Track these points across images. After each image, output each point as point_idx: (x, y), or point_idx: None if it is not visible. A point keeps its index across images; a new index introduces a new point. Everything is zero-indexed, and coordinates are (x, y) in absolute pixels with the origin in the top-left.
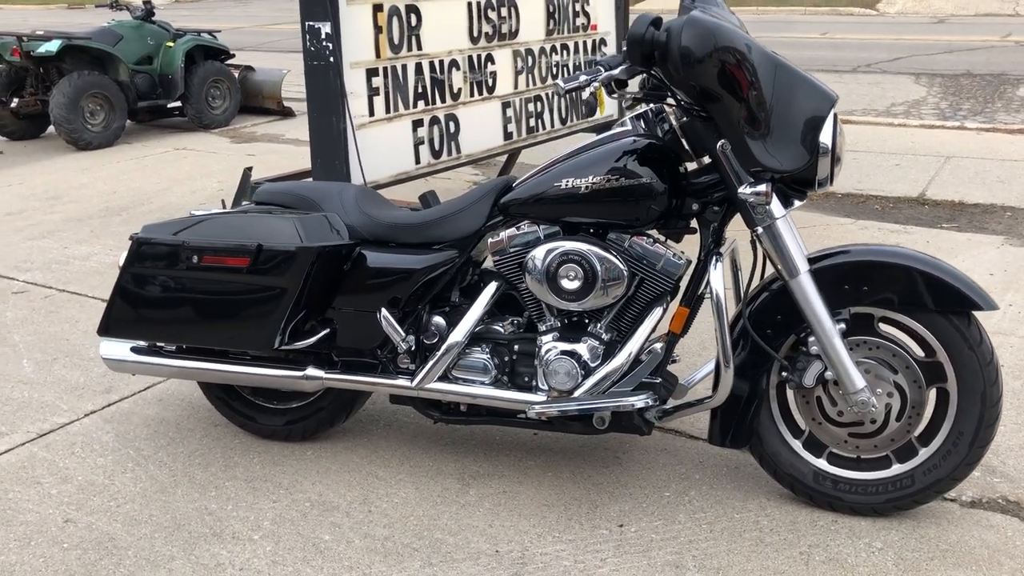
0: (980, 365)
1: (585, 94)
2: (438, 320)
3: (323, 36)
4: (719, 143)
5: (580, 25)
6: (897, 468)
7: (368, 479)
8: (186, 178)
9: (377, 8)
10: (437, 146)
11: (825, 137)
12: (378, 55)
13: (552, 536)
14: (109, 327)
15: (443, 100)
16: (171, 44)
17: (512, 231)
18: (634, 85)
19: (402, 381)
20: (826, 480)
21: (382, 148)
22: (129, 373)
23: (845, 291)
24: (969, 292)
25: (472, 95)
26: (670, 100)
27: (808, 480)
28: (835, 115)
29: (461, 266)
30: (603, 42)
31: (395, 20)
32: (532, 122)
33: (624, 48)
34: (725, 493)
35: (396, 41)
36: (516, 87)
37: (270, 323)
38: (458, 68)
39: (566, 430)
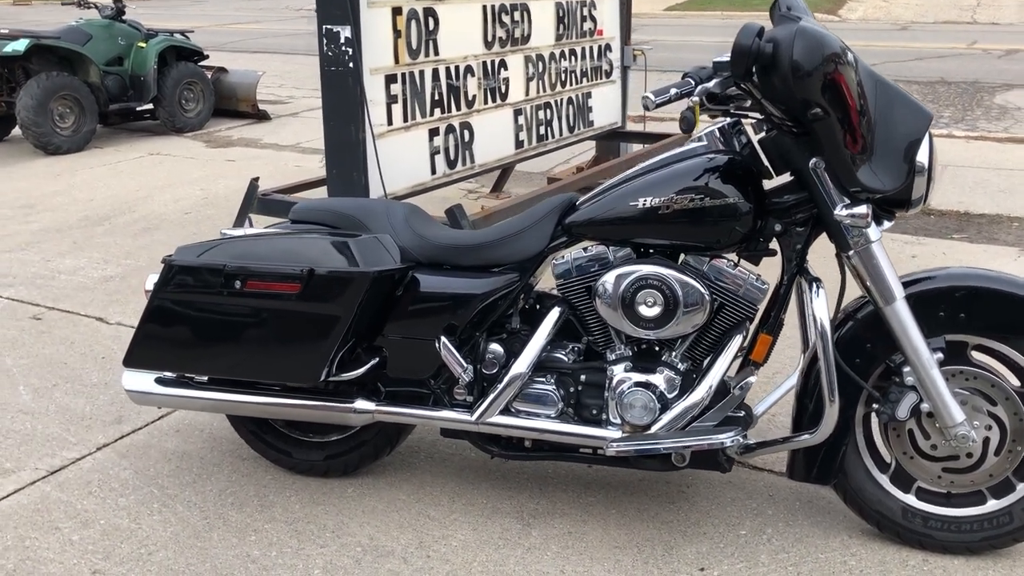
0: None
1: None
2: (496, 348)
3: (342, 40)
4: (811, 161)
5: (587, 30)
6: (993, 504)
7: (420, 519)
8: (166, 185)
9: (396, 11)
10: (452, 155)
11: (922, 156)
12: (397, 60)
13: None
14: (137, 358)
15: (458, 108)
16: (143, 44)
17: (579, 253)
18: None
19: (461, 415)
20: (916, 517)
21: (399, 158)
22: (155, 406)
23: (940, 318)
24: None
25: (486, 102)
26: (752, 114)
27: (897, 517)
28: (930, 133)
29: (520, 290)
30: (608, 48)
31: (413, 23)
32: (542, 130)
33: (716, 61)
34: (804, 531)
35: (415, 46)
36: (527, 94)
37: (319, 353)
38: (473, 74)
39: (641, 467)
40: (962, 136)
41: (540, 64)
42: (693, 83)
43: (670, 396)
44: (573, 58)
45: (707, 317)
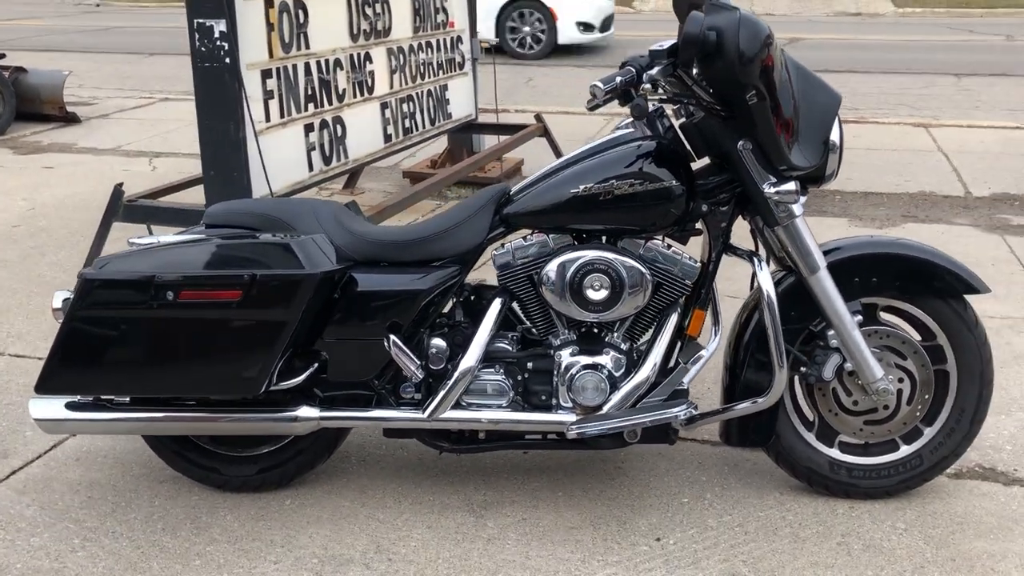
0: (977, 345)
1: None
2: (439, 343)
3: (216, 35)
4: (739, 143)
5: (440, 23)
6: (905, 450)
7: (370, 523)
8: None
9: (268, 3)
10: (327, 151)
11: (835, 135)
12: (271, 55)
13: (596, 560)
14: (52, 383)
15: (330, 102)
16: None
17: (519, 243)
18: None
19: (411, 413)
20: (841, 469)
21: (278, 156)
22: (68, 434)
23: (856, 283)
24: (969, 277)
25: (355, 96)
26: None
27: (825, 471)
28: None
29: (460, 283)
30: (459, 40)
31: (285, 16)
32: (407, 123)
33: (653, 49)
34: (739, 492)
35: (287, 39)
36: (392, 87)
37: (263, 363)
38: (341, 68)
39: (596, 447)
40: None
41: (401, 56)
42: (634, 71)
43: (618, 375)
44: (430, 50)
45: (648, 297)
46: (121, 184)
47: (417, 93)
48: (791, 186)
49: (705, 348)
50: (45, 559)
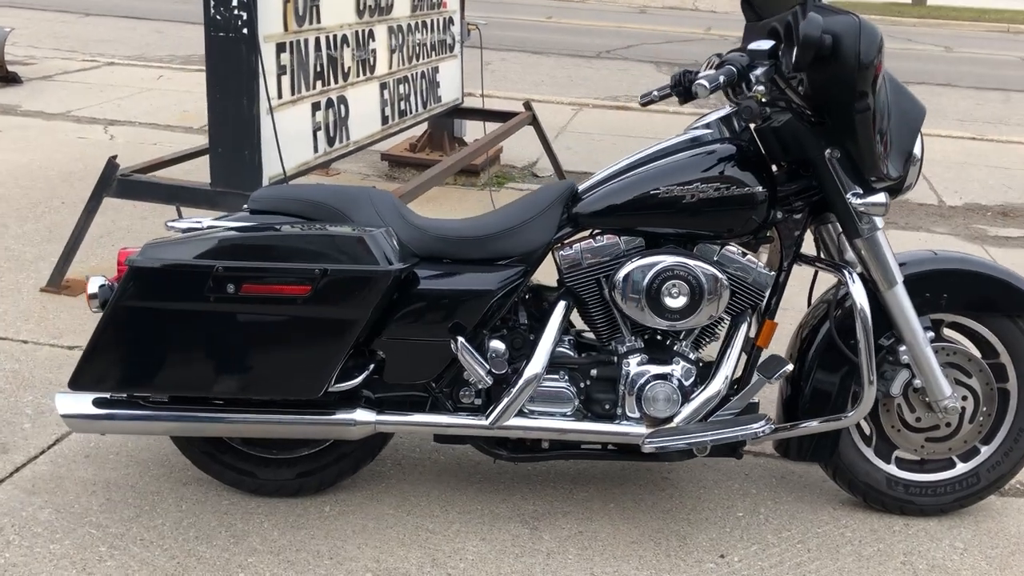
0: None
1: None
2: (498, 346)
3: (235, 3)
4: (827, 150)
5: (435, 2)
6: (962, 467)
7: (419, 533)
8: None
9: None
10: (331, 132)
11: (918, 147)
12: (286, 28)
13: None
14: (88, 377)
15: (336, 81)
16: None
17: (588, 243)
18: None
19: (473, 419)
20: (898, 485)
21: (286, 135)
22: (98, 433)
23: (927, 299)
24: None
25: (359, 75)
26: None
27: (882, 487)
28: None
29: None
30: (451, 21)
31: None
32: (403, 105)
33: (752, 49)
34: (791, 507)
35: (300, 12)
36: (391, 67)
37: (326, 363)
38: (348, 44)
39: (663, 460)
40: None
41: (400, 36)
42: (735, 70)
43: (687, 386)
44: (425, 30)
45: (723, 306)
46: (115, 156)
47: (412, 75)
48: (881, 198)
49: (790, 364)
50: (71, 569)
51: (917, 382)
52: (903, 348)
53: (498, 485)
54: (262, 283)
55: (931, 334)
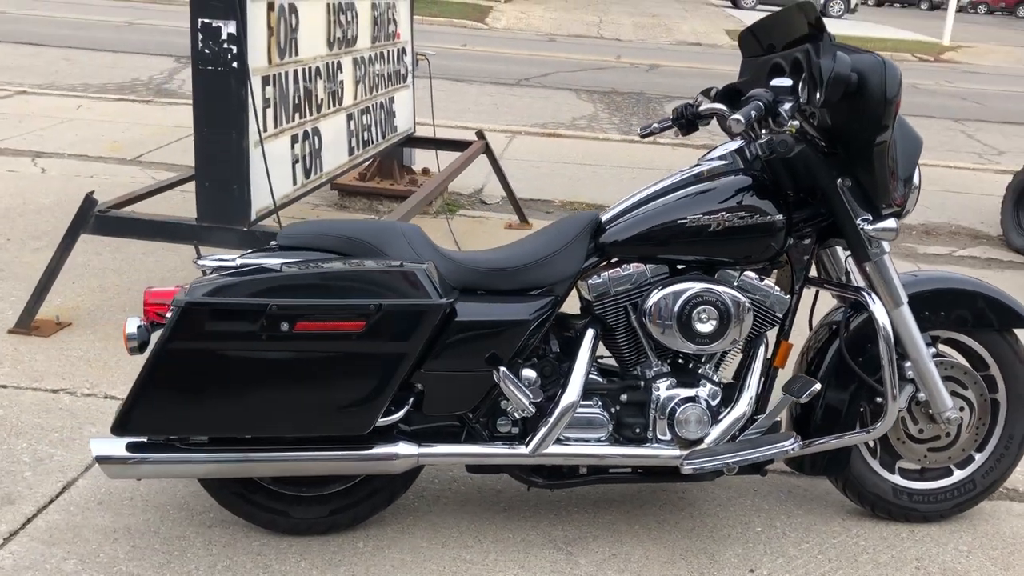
0: None
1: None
2: (530, 374)
3: (224, 37)
4: (839, 180)
5: (391, 33)
6: (959, 475)
7: (458, 564)
8: None
9: (270, 6)
10: (308, 164)
11: (916, 174)
12: (270, 61)
13: None
14: (135, 422)
15: (311, 112)
16: None
17: (616, 272)
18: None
19: (514, 448)
20: (903, 494)
21: (272, 168)
22: (134, 478)
23: (926, 316)
24: (1022, 312)
25: (330, 106)
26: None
27: (889, 497)
28: None
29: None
30: (404, 51)
31: (282, 21)
32: (366, 135)
33: (775, 85)
34: (804, 519)
35: (282, 45)
36: (355, 98)
37: (377, 398)
38: (320, 76)
39: (697, 480)
40: (667, 143)
41: (363, 67)
42: (763, 105)
43: (715, 407)
44: (382, 61)
45: (747, 330)
46: (92, 192)
47: (373, 105)
48: (892, 223)
49: (817, 383)
50: None
51: (921, 396)
52: (908, 364)
53: (524, 512)
54: (316, 320)
55: (933, 350)
